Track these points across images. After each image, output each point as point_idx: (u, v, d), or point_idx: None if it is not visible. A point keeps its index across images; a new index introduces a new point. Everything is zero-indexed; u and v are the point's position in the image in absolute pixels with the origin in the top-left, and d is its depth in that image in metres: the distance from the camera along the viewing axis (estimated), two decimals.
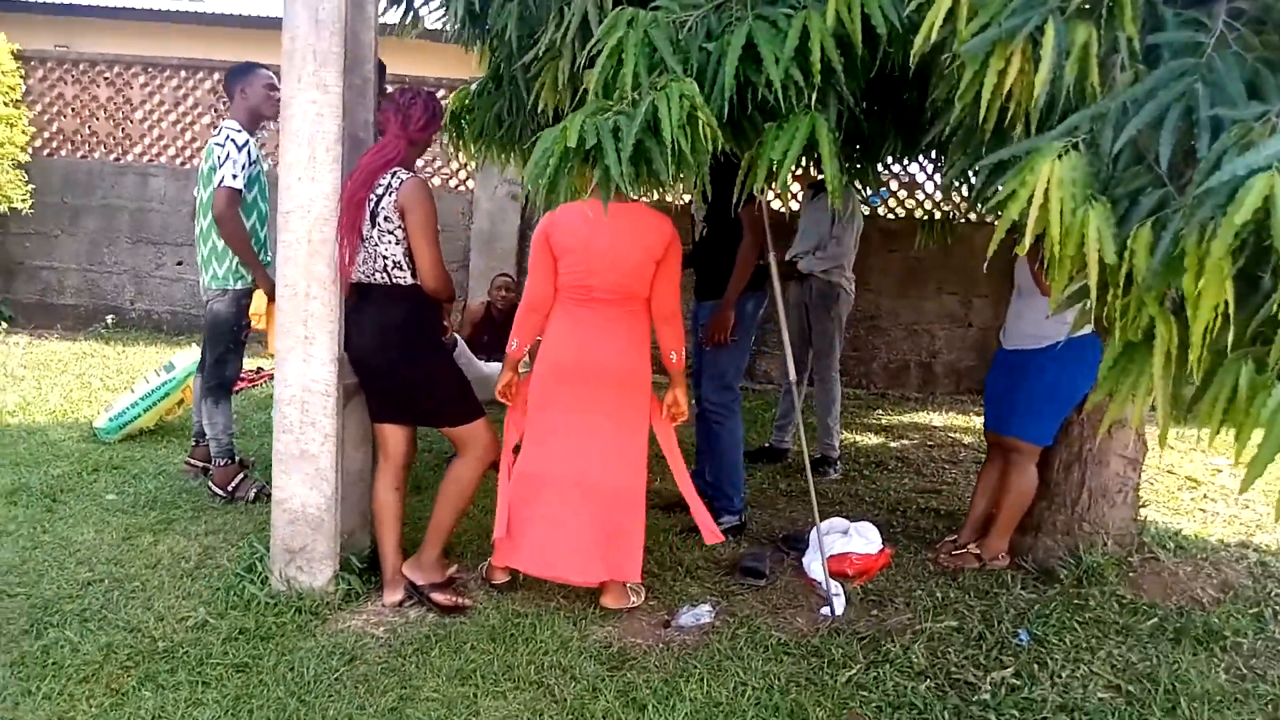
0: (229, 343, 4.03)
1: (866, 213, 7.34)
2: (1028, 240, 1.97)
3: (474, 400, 3.19)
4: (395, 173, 2.98)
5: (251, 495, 4.00)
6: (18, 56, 7.54)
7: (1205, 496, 4.94)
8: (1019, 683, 2.79)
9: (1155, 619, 3.20)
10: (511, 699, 2.60)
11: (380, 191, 2.96)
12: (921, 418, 6.78)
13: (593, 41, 2.52)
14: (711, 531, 3.28)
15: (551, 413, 3.18)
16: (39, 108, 7.80)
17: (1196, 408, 2.19)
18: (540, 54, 3.25)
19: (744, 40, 2.33)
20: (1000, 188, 1.99)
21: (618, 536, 3.14)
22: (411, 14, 4.15)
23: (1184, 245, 1.75)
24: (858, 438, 6.02)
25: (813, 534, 3.62)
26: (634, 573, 3.16)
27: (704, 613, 3.16)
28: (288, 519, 3.13)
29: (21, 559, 3.33)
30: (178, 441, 4.82)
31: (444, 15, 3.96)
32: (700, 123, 2.30)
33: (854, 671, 2.82)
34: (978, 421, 6.61)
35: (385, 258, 2.98)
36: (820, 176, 5.05)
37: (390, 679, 2.67)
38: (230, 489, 4.01)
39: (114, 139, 7.88)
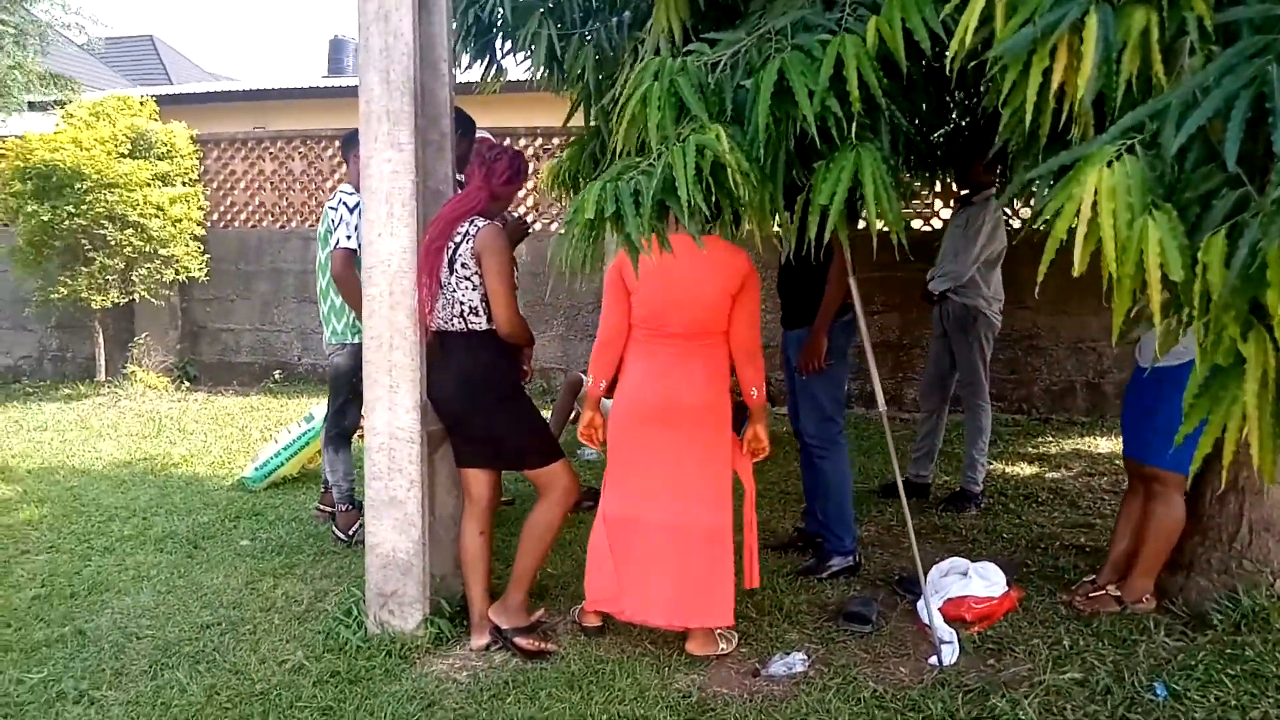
0: (348, 393, 4.21)
1: (1018, 224, 6.93)
2: (1078, 262, 1.76)
3: (553, 442, 3.18)
4: (474, 220, 3.03)
5: None
6: (195, 141, 8.30)
7: None
8: None
9: None
10: None
11: (459, 239, 3.02)
12: (1086, 444, 6.25)
13: (617, 95, 2.47)
14: (750, 578, 3.15)
15: (631, 453, 3.12)
16: (214, 184, 8.54)
17: None
18: (617, 96, 3.24)
19: (775, 75, 2.21)
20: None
21: (705, 578, 3.03)
22: (495, 66, 4.25)
23: (1264, 255, 1.50)
24: (1008, 467, 5.60)
25: (931, 575, 3.38)
26: (722, 617, 3.03)
27: (797, 661, 2.99)
28: (380, 563, 3.20)
29: (156, 602, 3.56)
30: (316, 488, 5.07)
31: (527, 63, 4.03)
32: (731, 171, 2.20)
33: None
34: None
35: (462, 304, 3.02)
36: (964, 192, 4.84)
37: None
38: (350, 533, 4.16)
39: (279, 208, 8.51)
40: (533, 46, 3.96)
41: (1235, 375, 1.65)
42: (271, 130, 8.60)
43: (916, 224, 7.38)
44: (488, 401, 3.07)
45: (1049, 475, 5.44)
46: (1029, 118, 1.83)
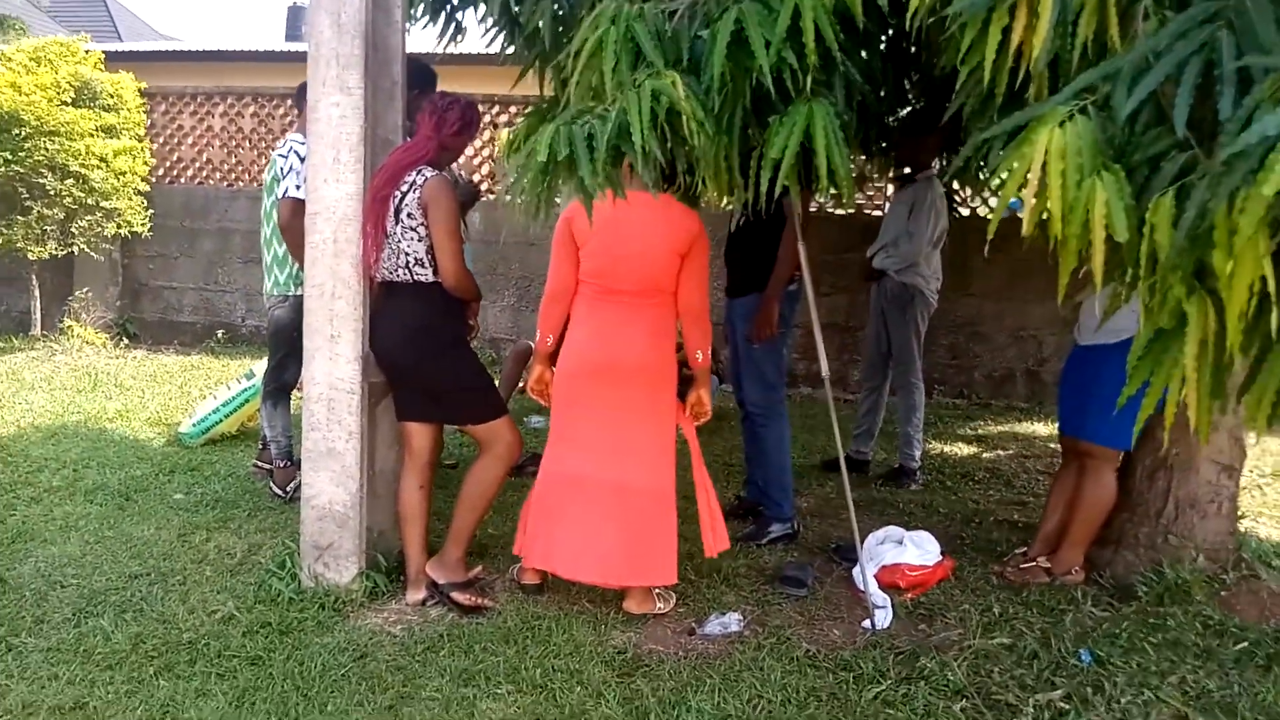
0: (288, 348, 4.12)
1: (967, 213, 7.00)
2: (1027, 223, 1.77)
3: (497, 397, 3.15)
4: (421, 170, 2.97)
5: None
6: (143, 94, 8.06)
7: None
8: (1067, 706, 2.51)
9: (1245, 643, 2.85)
10: (510, 701, 2.52)
11: (405, 189, 2.96)
12: (1024, 428, 6.36)
13: (573, 38, 2.44)
14: (712, 544, 3.15)
15: (575, 410, 3.10)
16: (161, 139, 8.32)
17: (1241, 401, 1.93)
18: (574, 52, 3.20)
19: (733, 25, 2.20)
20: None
21: (645, 538, 3.02)
22: (453, 25, 4.18)
23: (1211, 217, 1.53)
24: (947, 448, 5.69)
25: (867, 543, 3.42)
26: (662, 577, 3.03)
27: (732, 621, 3.00)
28: (316, 515, 3.15)
29: (83, 552, 3.47)
30: (253, 446, 4.98)
31: (484, 23, 3.97)
32: (685, 118, 2.18)
33: (883, 688, 2.61)
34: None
35: (408, 254, 2.97)
36: (907, 170, 4.87)
37: (395, 677, 2.63)
38: (287, 489, 4.09)
39: (227, 165, 8.31)
40: (488, 6, 3.90)
41: (1177, 337, 1.68)
42: (222, 86, 8.38)
43: (870, 211, 7.43)
44: (431, 353, 3.03)
45: (986, 456, 5.54)
46: (986, 77, 1.84)
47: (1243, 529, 3.52)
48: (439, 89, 3.98)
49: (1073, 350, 3.51)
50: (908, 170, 4.86)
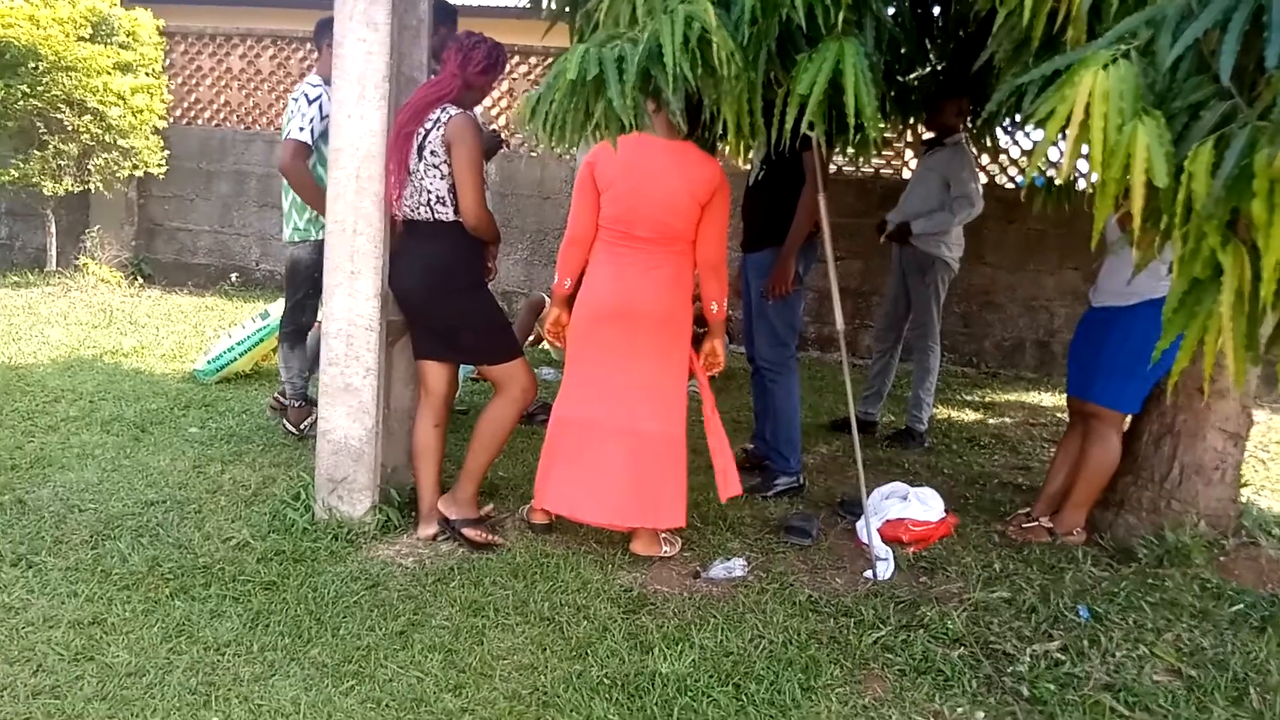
0: (308, 288, 4.15)
1: (985, 180, 6.97)
2: (1066, 165, 1.78)
3: (513, 339, 3.18)
4: (445, 108, 2.98)
5: None
6: (162, 32, 8.03)
7: None
8: (1064, 658, 2.56)
9: (1240, 605, 2.90)
10: (519, 632, 2.58)
11: (429, 126, 2.96)
12: (1031, 397, 6.38)
13: None
14: (727, 487, 3.18)
15: (590, 355, 3.13)
16: (180, 79, 8.29)
17: (1275, 351, 1.96)
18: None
19: None
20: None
21: (654, 482, 3.06)
22: None
23: (1252, 163, 1.53)
24: (954, 414, 5.72)
25: (872, 498, 3.46)
26: (669, 519, 3.07)
27: (737, 566, 3.06)
28: (331, 449, 3.20)
29: (99, 479, 3.53)
30: (268, 385, 5.03)
31: None
32: (715, 46, 2.18)
33: (883, 634, 2.66)
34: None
35: (429, 192, 2.99)
36: (932, 135, 4.83)
37: (406, 605, 2.69)
38: (302, 427, 4.14)
39: (244, 108, 8.30)
40: None
41: (1212, 288, 1.70)
42: (241, 27, 8.33)
43: (887, 174, 7.40)
44: (449, 292, 3.05)
45: (992, 422, 5.57)
46: (1025, 18, 1.83)
47: (1244, 499, 3.54)
48: (458, 20, 3.97)
49: (1085, 314, 3.53)
50: (932, 135, 4.82)
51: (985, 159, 6.90)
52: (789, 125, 2.27)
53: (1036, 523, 3.47)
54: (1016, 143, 6.85)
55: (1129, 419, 3.43)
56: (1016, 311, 7.07)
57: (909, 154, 7.23)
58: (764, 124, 2.58)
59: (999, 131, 6.01)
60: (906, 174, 7.28)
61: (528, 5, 4.20)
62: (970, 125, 5.44)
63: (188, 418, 4.38)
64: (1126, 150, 1.65)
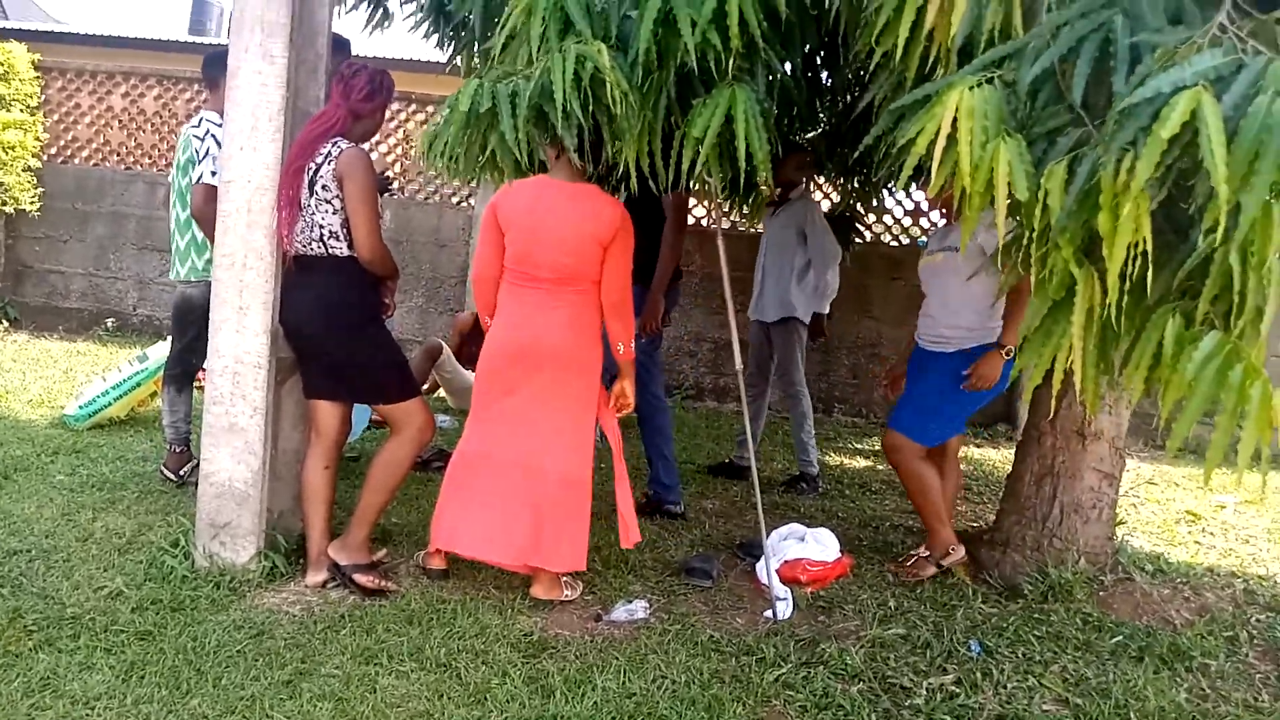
0: (199, 329, 3.95)
1: (870, 237, 7.24)
2: (935, 180, 1.86)
3: (410, 378, 3.12)
4: (336, 142, 2.92)
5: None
6: (38, 67, 7.71)
7: (1204, 531, 4.71)
8: (958, 690, 2.61)
9: (1120, 637, 3.01)
10: (414, 679, 2.48)
11: (320, 160, 2.91)
12: None
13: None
14: (626, 536, 3.16)
15: (493, 393, 3.08)
16: (56, 116, 7.96)
17: (1124, 370, 2.05)
18: (502, 23, 3.21)
19: (659, 5, 2.25)
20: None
21: (554, 523, 3.01)
22: (380, 11, 4.15)
23: (1100, 177, 1.64)
24: (847, 460, 5.85)
25: (770, 540, 3.49)
26: (570, 562, 3.02)
27: (639, 608, 3.03)
28: (214, 493, 3.05)
29: None
30: (145, 431, 4.79)
31: (409, 6, 3.96)
32: (609, 86, 2.22)
33: (784, 671, 2.66)
34: (975, 451, 6.42)
35: (321, 227, 2.92)
36: (778, 192, 4.97)
37: (293, 654, 2.56)
38: (181, 474, 3.94)
39: (125, 148, 8.01)
40: None
41: (1066, 309, 1.79)
42: (124, 65, 8.06)
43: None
44: (344, 328, 2.97)
45: (882, 468, 5.70)
46: (898, 56, 1.93)
47: (1119, 537, 3.71)
48: (351, 50, 3.92)
49: (914, 351, 3.80)
50: (779, 191, 4.93)
51: (871, 218, 7.18)
52: (685, 165, 2.32)
53: (916, 555, 3.58)
54: (899, 203, 7.19)
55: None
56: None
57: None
58: (664, 166, 2.63)
59: (885, 193, 6.34)
60: None
61: (444, 61, 4.21)
62: (856, 185, 5.69)
63: (55, 465, 4.12)
64: (990, 165, 1.75)
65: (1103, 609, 3.23)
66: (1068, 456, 3.51)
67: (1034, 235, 1.74)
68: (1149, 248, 1.65)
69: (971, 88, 1.73)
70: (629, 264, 3.12)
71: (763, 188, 4.87)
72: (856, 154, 2.59)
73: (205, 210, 3.71)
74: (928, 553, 3.53)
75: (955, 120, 1.71)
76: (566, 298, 3.04)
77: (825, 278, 4.86)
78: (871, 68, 2.14)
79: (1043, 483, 3.55)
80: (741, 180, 3.19)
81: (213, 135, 3.77)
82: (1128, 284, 1.71)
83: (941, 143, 1.70)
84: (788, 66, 2.96)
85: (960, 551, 3.51)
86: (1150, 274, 1.70)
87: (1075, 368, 1.80)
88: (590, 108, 2.23)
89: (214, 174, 3.70)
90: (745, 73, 2.33)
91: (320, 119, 2.96)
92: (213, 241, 3.74)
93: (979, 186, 1.72)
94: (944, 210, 3.59)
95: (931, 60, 1.96)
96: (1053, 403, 2.16)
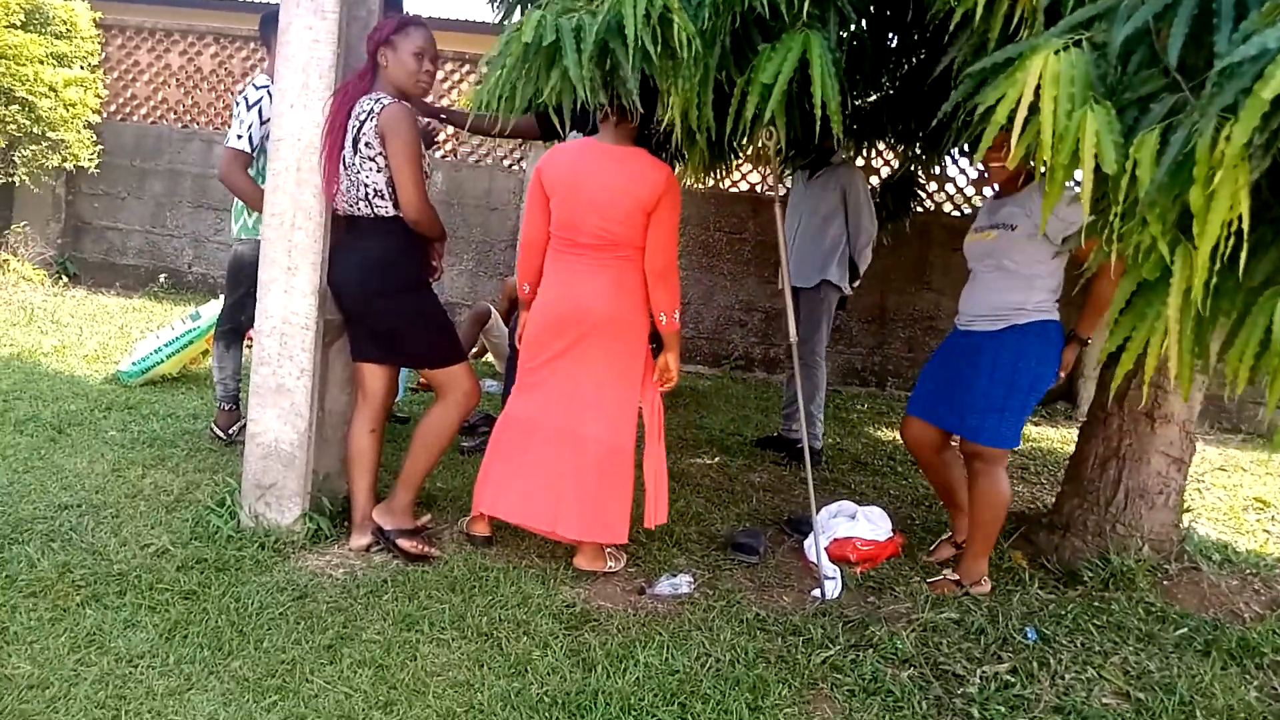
0: (248, 286, 3.95)
1: (931, 207, 7.04)
2: (1015, 151, 1.74)
3: (457, 343, 3.07)
4: (380, 98, 2.84)
5: None
6: (98, 24, 7.76)
7: (1273, 519, 4.53)
8: (1013, 680, 2.52)
9: (1185, 629, 2.88)
10: (455, 648, 2.45)
11: (363, 117, 2.83)
12: None
13: None
14: (652, 517, 3.06)
15: (539, 360, 3.03)
16: (115, 74, 8.02)
17: (1224, 358, 1.91)
18: None
19: None
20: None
21: (598, 493, 2.96)
22: None
23: (1195, 145, 1.51)
24: (899, 437, 5.70)
25: (819, 517, 3.40)
26: (612, 534, 2.97)
27: (683, 583, 2.97)
28: (260, 454, 3.04)
29: (9, 481, 3.31)
30: (196, 389, 4.83)
31: None
32: (676, 26, 2.11)
33: (831, 653, 2.59)
34: (1034, 429, 6.25)
35: (366, 186, 2.86)
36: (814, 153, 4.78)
37: (335, 618, 2.55)
38: (230, 432, 3.96)
39: (183, 106, 8.05)
40: None
41: (1159, 290, 1.67)
42: (182, 23, 8.09)
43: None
44: (389, 291, 2.92)
45: None
46: (979, 16, 1.80)
47: (1185, 524, 3.56)
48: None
49: (950, 336, 3.36)
50: (812, 159, 4.75)
51: (932, 186, 6.98)
52: (748, 115, 2.20)
53: (942, 576, 3.25)
54: (963, 171, 6.97)
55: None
56: None
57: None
58: (714, 119, 2.52)
59: (948, 161, 6.14)
60: None
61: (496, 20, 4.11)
62: (918, 152, 5.50)
63: (108, 420, 4.16)
64: (1076, 136, 1.62)
65: (1167, 599, 3.10)
66: (1135, 439, 3.37)
67: (1121, 211, 1.61)
68: (1245, 225, 1.51)
69: (1058, 51, 1.60)
70: (674, 230, 3.02)
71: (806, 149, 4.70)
72: (932, 121, 2.41)
73: (227, 172, 3.70)
74: (957, 577, 3.18)
75: (1039, 87, 1.58)
76: (610, 263, 2.96)
77: (861, 251, 4.71)
78: (951, 28, 2.01)
79: (1107, 465, 3.41)
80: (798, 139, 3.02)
81: (245, 99, 3.74)
82: (1220, 263, 1.57)
83: (1023, 112, 1.58)
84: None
85: (988, 585, 3.16)
86: (1245, 253, 1.56)
87: (1170, 353, 1.67)
88: (659, 47, 2.11)
89: (239, 137, 3.70)
90: (816, 20, 2.20)
91: (361, 73, 2.89)
92: (249, 204, 3.76)
93: (1063, 159, 1.59)
94: (999, 182, 3.24)
95: (1016, 20, 1.82)
96: (1144, 391, 2.02)
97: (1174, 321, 1.69)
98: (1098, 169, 1.57)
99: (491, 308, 5.71)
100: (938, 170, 6.25)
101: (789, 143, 4.10)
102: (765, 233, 7.21)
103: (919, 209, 6.44)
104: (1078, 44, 1.63)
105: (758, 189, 7.46)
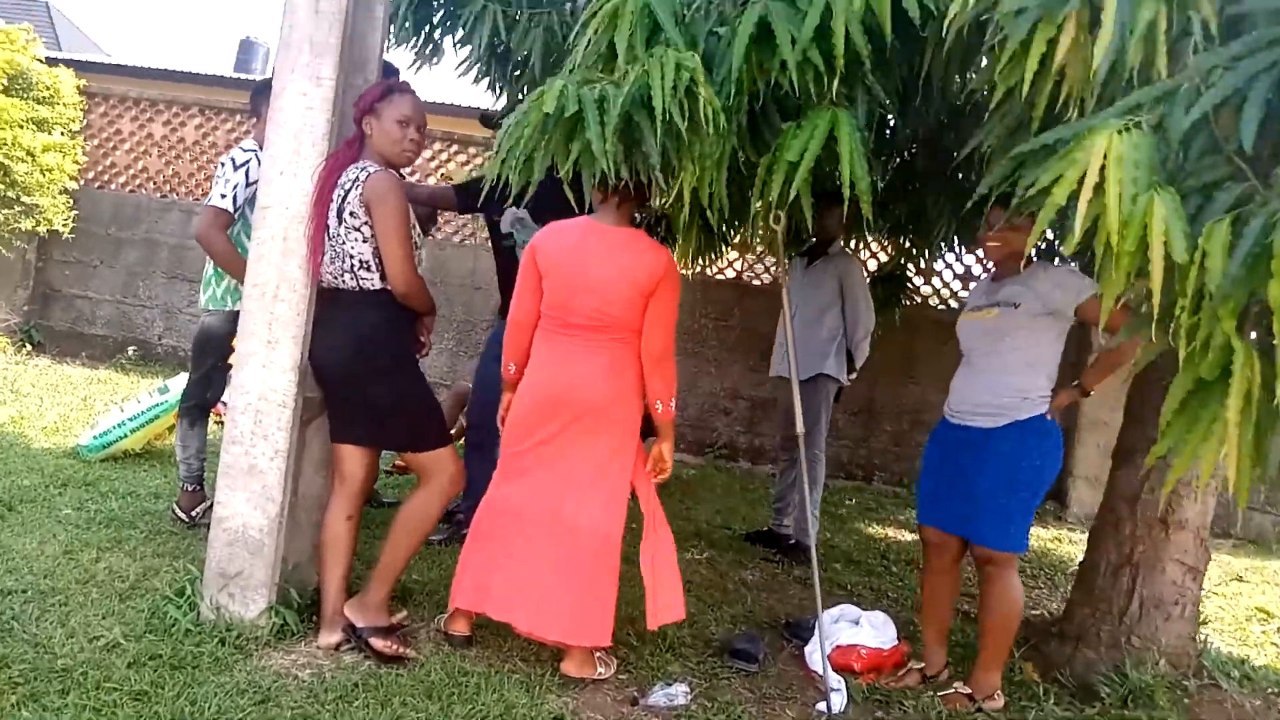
0: (215, 360, 3.78)
1: (918, 300, 7.00)
2: (1077, 234, 1.63)
3: (443, 425, 2.90)
4: (365, 166, 2.72)
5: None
6: (82, 92, 7.68)
7: (1279, 630, 4.37)
8: None
9: None
10: None
11: (348, 186, 2.71)
12: None
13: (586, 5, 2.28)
14: (655, 615, 2.86)
15: (525, 444, 2.86)
16: (96, 141, 7.91)
17: None
18: (582, 22, 3.02)
19: (756, 19, 2.06)
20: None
21: (589, 591, 2.75)
22: (430, 44, 4.00)
23: (1273, 240, 1.40)
24: (891, 534, 5.54)
25: (817, 620, 3.20)
26: (600, 636, 2.75)
27: (679, 693, 2.75)
28: (226, 539, 2.82)
29: None
30: (160, 466, 4.58)
31: (464, 45, 3.81)
32: (701, 100, 2.02)
33: None
34: None
35: (352, 257, 2.72)
36: (813, 240, 4.70)
37: None
38: (193, 514, 3.72)
39: (163, 176, 7.94)
40: (474, 31, 3.73)
41: (1218, 391, 1.54)
42: (167, 94, 8.03)
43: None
44: (375, 368, 2.76)
45: None
46: (1024, 93, 1.71)
47: (1202, 637, 3.40)
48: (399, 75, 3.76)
49: (939, 429, 3.20)
50: (813, 241, 4.66)
51: (919, 280, 6.96)
52: (772, 195, 2.09)
53: (954, 690, 3.01)
54: (949, 266, 6.97)
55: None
56: None
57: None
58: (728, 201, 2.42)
59: (933, 254, 6.12)
60: None
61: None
62: (907, 244, 5.47)
63: (63, 497, 3.91)
64: (1143, 221, 1.51)
65: (1190, 719, 2.92)
66: (1149, 546, 3.23)
67: (1185, 303, 1.49)
68: None
69: (1119, 131, 1.50)
70: (671, 314, 2.88)
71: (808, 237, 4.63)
72: (969, 202, 2.30)
73: (206, 232, 3.56)
74: (969, 690, 2.96)
75: (1103, 168, 1.47)
76: (606, 346, 2.82)
77: (859, 344, 4.60)
78: (991, 107, 1.93)
79: (1120, 573, 3.26)
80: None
81: (232, 160, 3.63)
82: None
83: (1087, 193, 1.47)
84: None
85: (1002, 701, 2.95)
86: None
87: (1228, 461, 1.53)
88: (685, 121, 2.00)
89: (223, 197, 3.56)
90: (843, 97, 2.11)
91: (349, 141, 2.79)
92: (223, 268, 3.60)
93: (1130, 245, 1.48)
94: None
95: (1060, 102, 1.74)
96: (1197, 494, 1.88)
97: (1234, 425, 1.56)
98: (1166, 256, 1.46)
99: (469, 386, 5.52)
100: (925, 264, 6.22)
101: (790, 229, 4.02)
102: (751, 320, 7.13)
103: (905, 301, 6.38)
104: (1137, 125, 1.53)
105: (744, 276, 7.42)
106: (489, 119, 4.22)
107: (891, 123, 3.84)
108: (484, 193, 2.78)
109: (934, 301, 7.15)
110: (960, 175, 4.11)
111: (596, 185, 2.63)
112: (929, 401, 7.03)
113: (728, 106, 2.10)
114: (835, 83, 2.04)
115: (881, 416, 7.08)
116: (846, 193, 2.09)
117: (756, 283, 7.43)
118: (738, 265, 7.45)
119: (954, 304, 7.15)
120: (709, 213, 2.35)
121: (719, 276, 7.38)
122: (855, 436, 7.09)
